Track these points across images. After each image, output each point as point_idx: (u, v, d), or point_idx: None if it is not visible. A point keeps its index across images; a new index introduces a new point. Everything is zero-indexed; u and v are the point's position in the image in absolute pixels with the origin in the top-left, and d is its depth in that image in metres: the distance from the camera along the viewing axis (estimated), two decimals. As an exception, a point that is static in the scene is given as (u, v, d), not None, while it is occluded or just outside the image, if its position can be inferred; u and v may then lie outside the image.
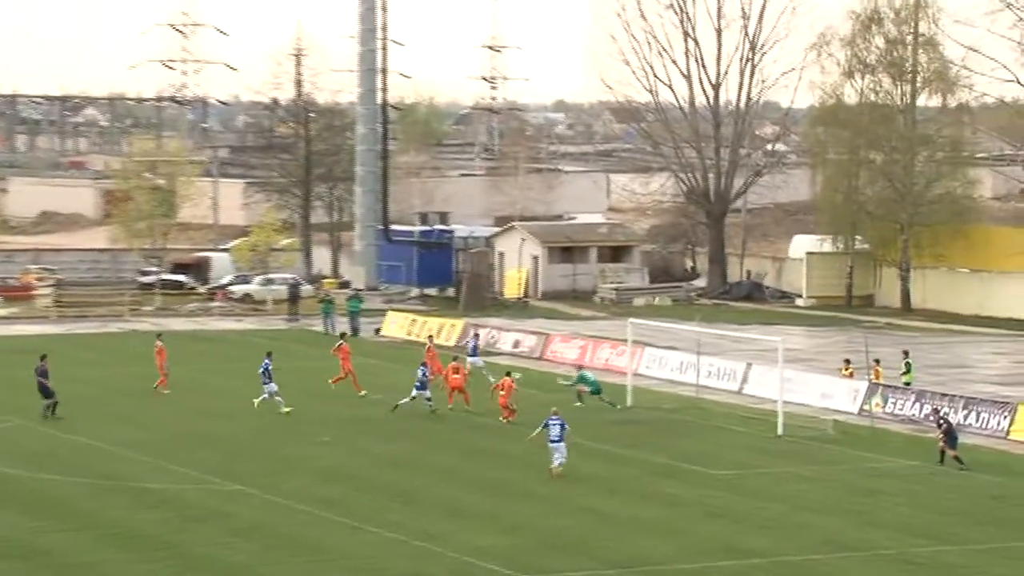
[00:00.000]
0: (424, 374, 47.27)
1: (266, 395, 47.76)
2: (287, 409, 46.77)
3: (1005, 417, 46.93)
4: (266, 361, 48.48)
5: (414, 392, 46.17)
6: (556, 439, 37.33)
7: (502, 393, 46.44)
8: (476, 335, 57.52)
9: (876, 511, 36.61)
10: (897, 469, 41.96)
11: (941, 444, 42.28)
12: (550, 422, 37.65)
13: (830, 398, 51.97)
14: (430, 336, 57.99)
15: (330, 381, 51.70)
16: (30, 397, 49.08)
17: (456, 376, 48.83)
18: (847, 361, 52.95)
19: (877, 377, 51.72)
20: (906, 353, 53.04)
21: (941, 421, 43.82)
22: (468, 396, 47.95)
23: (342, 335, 58.25)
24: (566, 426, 37.70)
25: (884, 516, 36.13)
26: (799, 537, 33.60)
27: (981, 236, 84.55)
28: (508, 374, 48.41)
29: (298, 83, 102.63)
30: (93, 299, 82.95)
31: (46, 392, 47.88)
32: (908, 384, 51.19)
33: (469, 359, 53.15)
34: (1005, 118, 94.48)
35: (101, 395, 53.68)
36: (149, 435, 45.08)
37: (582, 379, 51.41)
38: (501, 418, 45.71)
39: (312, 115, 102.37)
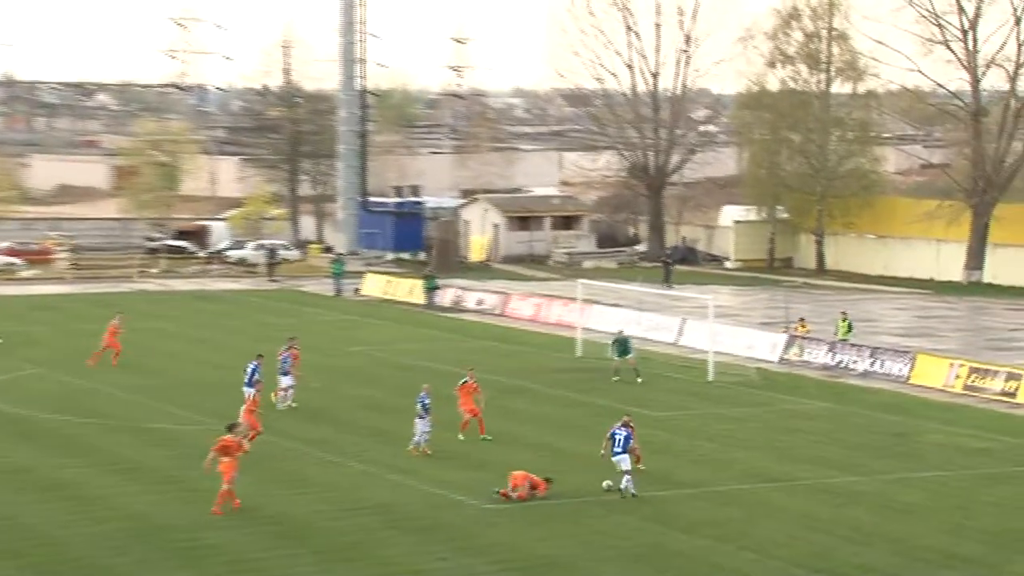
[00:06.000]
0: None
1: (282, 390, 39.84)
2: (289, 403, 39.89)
3: (906, 364, 47.37)
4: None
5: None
6: (619, 450, 30.68)
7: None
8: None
9: (795, 447, 36.77)
10: (812, 410, 42.03)
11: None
12: (615, 433, 30.77)
13: (753, 348, 51.99)
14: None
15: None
16: (44, 349, 50.12)
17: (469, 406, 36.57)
18: (802, 320, 53.14)
19: (804, 330, 51.70)
20: (844, 314, 53.11)
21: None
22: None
23: None
24: (631, 437, 30.88)
25: (802, 451, 36.28)
26: (727, 470, 33.72)
27: (885, 206, 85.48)
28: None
29: (286, 72, 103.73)
30: (106, 263, 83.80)
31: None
32: (845, 340, 50.89)
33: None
34: (907, 102, 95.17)
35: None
36: (153, 381, 45.08)
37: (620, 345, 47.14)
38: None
39: (298, 100, 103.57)
